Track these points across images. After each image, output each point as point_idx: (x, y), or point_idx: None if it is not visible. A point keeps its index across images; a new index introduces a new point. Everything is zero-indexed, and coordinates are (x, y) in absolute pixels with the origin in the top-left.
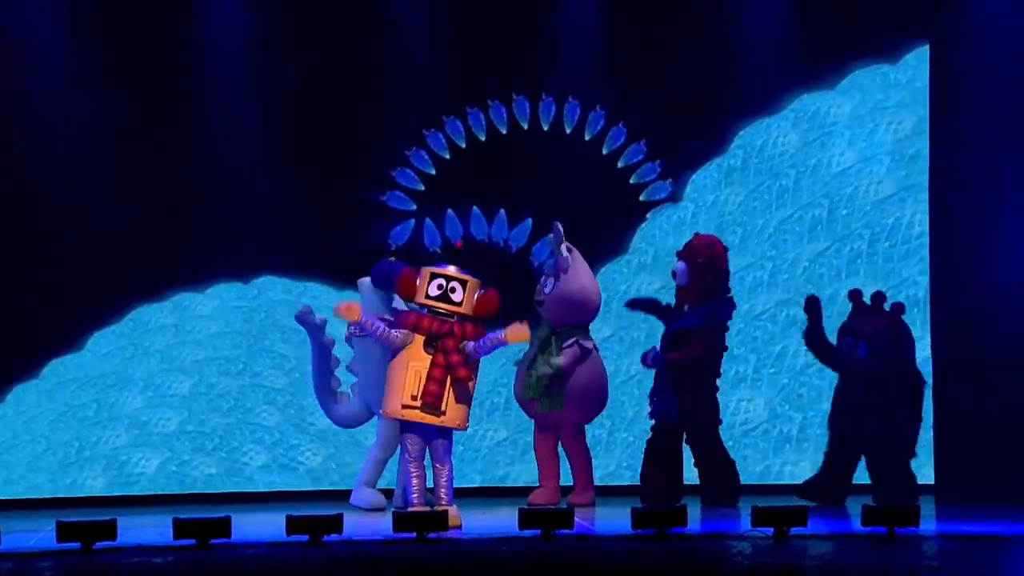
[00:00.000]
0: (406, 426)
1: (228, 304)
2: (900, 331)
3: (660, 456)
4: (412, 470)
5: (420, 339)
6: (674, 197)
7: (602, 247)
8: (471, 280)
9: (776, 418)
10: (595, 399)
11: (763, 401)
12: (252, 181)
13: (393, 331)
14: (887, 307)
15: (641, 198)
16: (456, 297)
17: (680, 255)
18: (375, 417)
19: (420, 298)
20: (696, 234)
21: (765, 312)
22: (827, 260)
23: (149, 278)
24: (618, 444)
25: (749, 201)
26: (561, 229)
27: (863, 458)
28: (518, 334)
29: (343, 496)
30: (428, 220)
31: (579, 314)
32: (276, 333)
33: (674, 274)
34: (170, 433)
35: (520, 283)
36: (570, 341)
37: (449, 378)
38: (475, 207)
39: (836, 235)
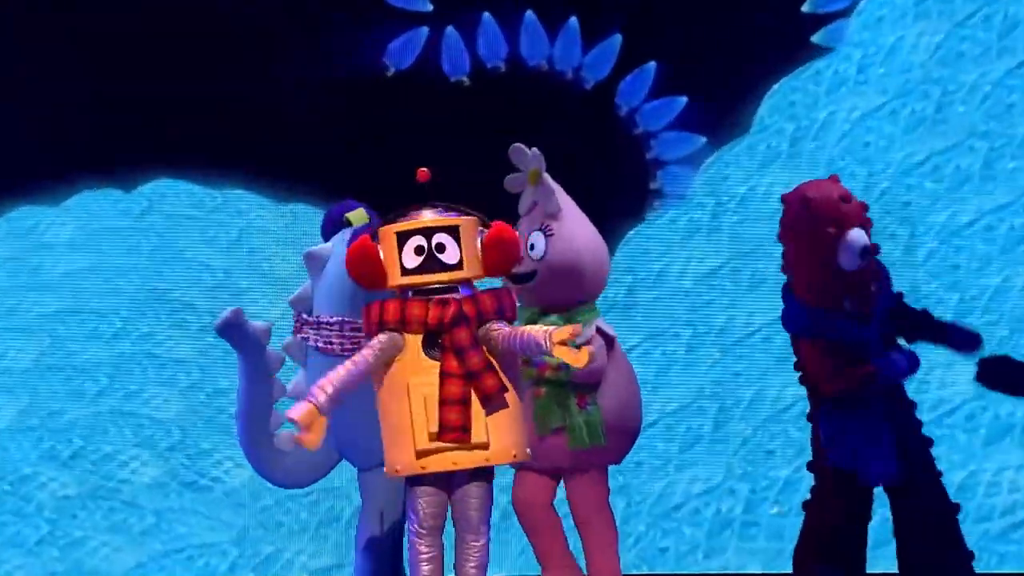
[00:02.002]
0: (417, 480)
1: (99, 224)
2: None
3: (851, 532)
4: (422, 547)
5: (414, 342)
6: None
7: (705, 119)
8: (464, 220)
9: (988, 395)
10: (630, 418)
11: (969, 371)
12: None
13: (365, 346)
14: None
15: (805, 8)
16: (450, 256)
17: (849, 219)
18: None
19: (394, 279)
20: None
21: (972, 224)
22: None
23: None
24: (731, 438)
25: (952, 43)
26: (536, 154)
27: None
28: (568, 352)
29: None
30: (450, 29)
31: (588, 284)
32: (177, 270)
33: (868, 251)
34: (1, 430)
35: (600, 141)
36: (587, 332)
37: (474, 393)
38: (529, 11)
39: None
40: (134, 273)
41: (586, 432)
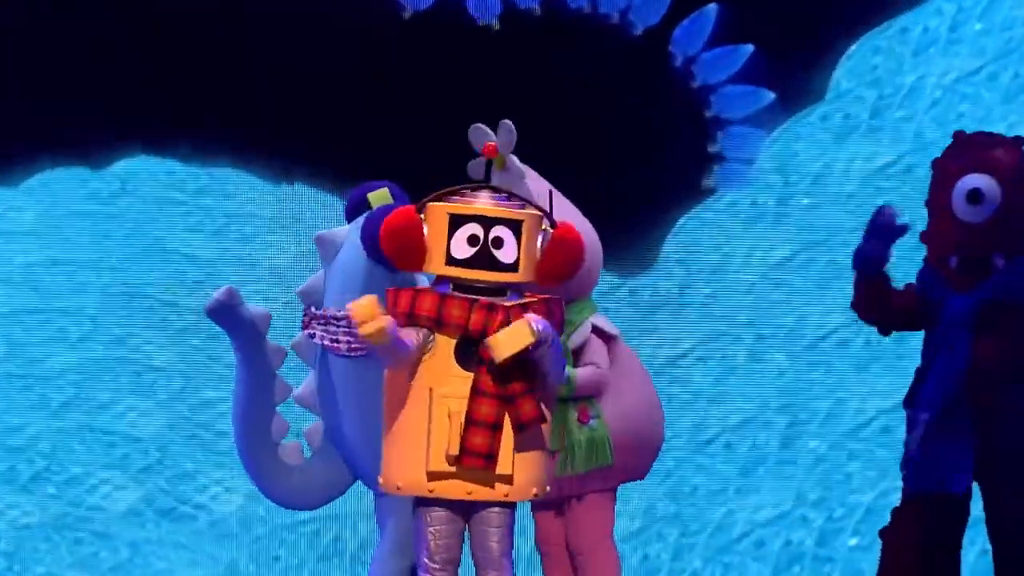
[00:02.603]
0: (425, 501)
1: (63, 209)
2: None
3: (936, 564)
4: None
5: (447, 345)
6: None
7: (775, 73)
8: (529, 215)
9: None
10: (646, 427)
11: None
12: None
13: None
14: None
15: None
16: (506, 255)
17: (977, 164)
18: (353, 486)
19: (436, 265)
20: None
21: None
22: None
23: None
24: (802, 458)
25: None
26: (511, 130)
27: None
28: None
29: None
30: None
31: (577, 281)
32: (155, 263)
33: (978, 195)
34: None
35: (651, 96)
36: (582, 333)
37: (508, 418)
38: None
39: None
40: (105, 266)
41: (589, 451)
